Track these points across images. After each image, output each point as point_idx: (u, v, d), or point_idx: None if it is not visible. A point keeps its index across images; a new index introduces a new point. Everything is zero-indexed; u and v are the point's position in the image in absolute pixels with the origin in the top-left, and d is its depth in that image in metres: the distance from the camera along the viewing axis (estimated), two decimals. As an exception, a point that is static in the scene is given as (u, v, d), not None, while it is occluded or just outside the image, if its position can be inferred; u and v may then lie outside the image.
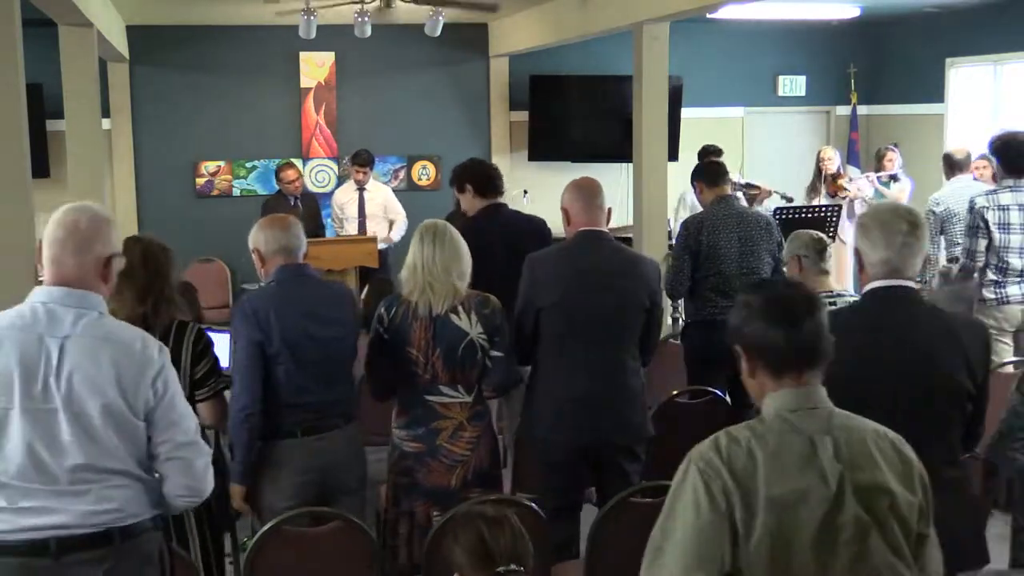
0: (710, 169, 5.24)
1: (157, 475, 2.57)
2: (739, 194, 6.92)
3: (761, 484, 1.94)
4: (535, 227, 4.78)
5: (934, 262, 6.56)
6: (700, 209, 7.36)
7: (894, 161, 8.38)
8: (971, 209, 5.67)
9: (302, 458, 3.44)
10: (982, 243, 5.59)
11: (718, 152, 7.55)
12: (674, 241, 7.40)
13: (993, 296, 5.65)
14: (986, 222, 5.56)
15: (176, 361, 3.24)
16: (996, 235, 5.56)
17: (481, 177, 4.78)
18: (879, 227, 2.73)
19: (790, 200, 8.10)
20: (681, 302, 6.82)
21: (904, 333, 2.69)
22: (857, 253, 2.80)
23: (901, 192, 8.28)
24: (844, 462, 1.98)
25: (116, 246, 2.59)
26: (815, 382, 2.07)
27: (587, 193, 3.80)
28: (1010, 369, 5.03)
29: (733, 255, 4.86)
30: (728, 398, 4.67)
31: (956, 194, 6.59)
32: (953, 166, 6.88)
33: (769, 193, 7.95)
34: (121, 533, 2.46)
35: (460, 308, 3.51)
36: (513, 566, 2.36)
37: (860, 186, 8.43)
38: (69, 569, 2.40)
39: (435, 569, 2.85)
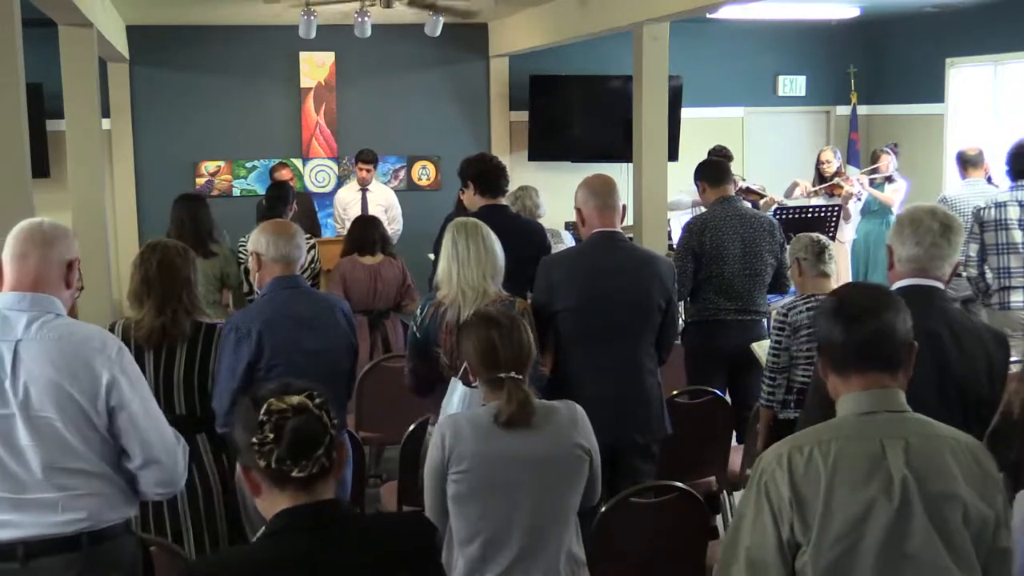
0: (713, 168, 5.14)
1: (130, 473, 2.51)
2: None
3: (822, 494, 1.88)
4: (531, 234, 4.65)
5: None
6: (683, 209, 7.32)
7: (889, 164, 8.34)
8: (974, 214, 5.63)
9: None
10: (973, 248, 5.52)
11: (729, 156, 7.50)
12: (674, 242, 7.40)
13: (997, 301, 5.61)
14: (982, 223, 5.52)
15: (206, 362, 3.28)
16: (993, 234, 5.50)
17: (484, 177, 4.73)
18: (911, 225, 2.71)
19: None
20: (682, 303, 6.80)
21: (924, 331, 2.59)
22: (889, 250, 2.79)
23: (894, 193, 8.23)
24: (914, 469, 1.88)
25: (77, 253, 2.59)
26: (891, 384, 1.98)
27: (602, 193, 3.75)
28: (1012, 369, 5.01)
29: (736, 256, 4.80)
30: (728, 398, 4.65)
31: (967, 198, 6.50)
32: (966, 164, 6.78)
33: (773, 201, 7.89)
34: (91, 538, 2.41)
35: None
36: (514, 373, 2.65)
37: (856, 187, 8.41)
38: (37, 574, 2.36)
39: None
